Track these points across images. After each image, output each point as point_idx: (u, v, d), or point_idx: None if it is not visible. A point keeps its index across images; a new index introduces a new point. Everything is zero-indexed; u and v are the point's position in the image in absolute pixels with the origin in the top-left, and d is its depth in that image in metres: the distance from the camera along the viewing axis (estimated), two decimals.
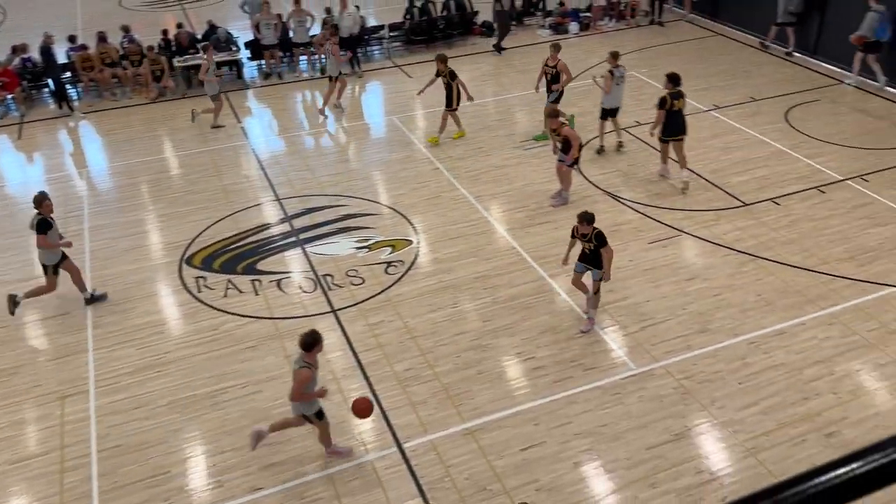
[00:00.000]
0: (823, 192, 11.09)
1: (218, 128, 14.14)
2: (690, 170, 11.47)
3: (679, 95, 11.01)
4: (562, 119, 11.05)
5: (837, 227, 10.26)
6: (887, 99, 14.11)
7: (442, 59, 12.97)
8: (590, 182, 11.65)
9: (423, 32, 17.94)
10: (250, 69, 17.08)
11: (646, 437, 7.11)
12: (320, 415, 6.75)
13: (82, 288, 9.29)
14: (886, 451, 0.86)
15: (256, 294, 9.45)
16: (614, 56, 12.15)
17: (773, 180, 11.49)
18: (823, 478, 0.86)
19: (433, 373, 8.04)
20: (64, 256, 9.02)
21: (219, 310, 9.19)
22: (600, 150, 12.56)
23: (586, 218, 8.12)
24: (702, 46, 17.40)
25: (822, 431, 7.09)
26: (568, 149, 10.66)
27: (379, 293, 9.36)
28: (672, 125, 11.10)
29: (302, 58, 17.21)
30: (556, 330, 8.59)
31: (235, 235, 10.71)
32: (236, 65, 16.54)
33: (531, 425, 7.32)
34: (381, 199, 11.57)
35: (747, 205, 10.88)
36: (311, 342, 6.47)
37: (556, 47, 12.97)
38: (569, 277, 9.38)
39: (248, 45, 16.96)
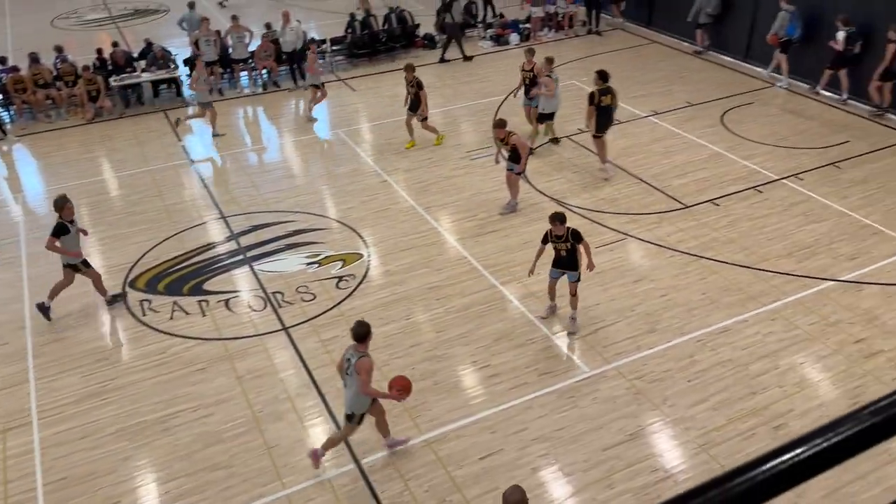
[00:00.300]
0: (761, 192, 11.46)
1: (218, 136, 14.14)
2: (615, 165, 11.78)
3: (607, 91, 11.53)
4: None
5: (775, 225, 10.61)
6: (817, 100, 14.69)
7: (409, 68, 13.09)
8: (537, 190, 11.80)
9: (365, 46, 17.94)
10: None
11: (601, 439, 7.20)
12: (362, 419, 6.68)
13: (102, 293, 9.36)
14: (827, 436, 0.90)
15: (204, 315, 9.26)
16: (549, 61, 12.66)
17: (712, 182, 11.83)
18: (770, 464, 0.89)
19: None
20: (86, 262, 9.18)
21: (165, 333, 8.97)
22: (556, 140, 13.32)
23: (559, 218, 8.16)
24: (638, 54, 17.84)
25: (770, 424, 7.30)
26: (518, 158, 10.78)
27: (331, 308, 9.28)
28: (602, 121, 11.61)
29: (242, 74, 17.01)
30: (510, 337, 8.65)
31: (180, 256, 10.49)
32: (175, 82, 16.25)
33: (489, 433, 7.34)
34: (330, 214, 11.50)
35: (688, 207, 11.17)
36: (365, 333, 6.45)
37: (531, 52, 13.45)
38: (520, 285, 9.48)
39: (186, 62, 16.68)
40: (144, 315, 9.30)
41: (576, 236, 8.26)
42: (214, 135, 14.15)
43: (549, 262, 8.64)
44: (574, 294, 8.57)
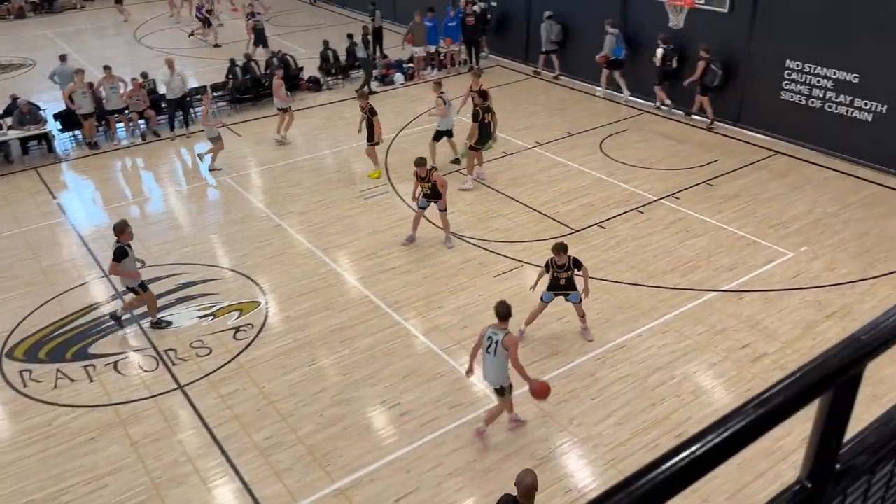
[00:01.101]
0: (642, 213, 12.06)
1: (216, 170, 14.27)
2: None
3: (488, 109, 12.71)
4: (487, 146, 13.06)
5: (658, 242, 11.18)
6: (686, 123, 15.71)
7: (362, 96, 13.66)
8: (434, 224, 11.92)
9: (248, 91, 17.70)
10: (62, 141, 15.96)
11: (515, 466, 7.24)
12: (511, 389, 7.29)
13: (152, 313, 9.60)
14: (718, 431, 0.95)
15: (91, 380, 8.69)
16: (438, 84, 13.60)
17: (596, 206, 12.35)
18: (669, 463, 0.93)
19: (296, 437, 7.75)
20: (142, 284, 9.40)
21: (50, 403, 8.34)
22: (458, 161, 13.87)
23: (562, 249, 8.60)
24: (519, 88, 18.51)
25: (672, 434, 7.59)
26: (438, 195, 10.91)
27: (229, 361, 8.94)
28: (483, 135, 12.76)
29: (119, 125, 16.34)
30: (418, 372, 8.61)
31: (61, 320, 9.83)
32: (45, 138, 15.39)
33: (403, 473, 7.23)
34: (222, 263, 11.14)
35: (577, 231, 11.60)
36: (508, 311, 7.14)
37: (478, 73, 14.38)
38: (424, 319, 9.51)
39: (57, 116, 15.86)
40: (26, 386, 8.62)
41: (577, 264, 8.71)
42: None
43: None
44: (582, 314, 8.95)
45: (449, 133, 13.68)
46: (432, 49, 19.62)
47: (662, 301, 9.75)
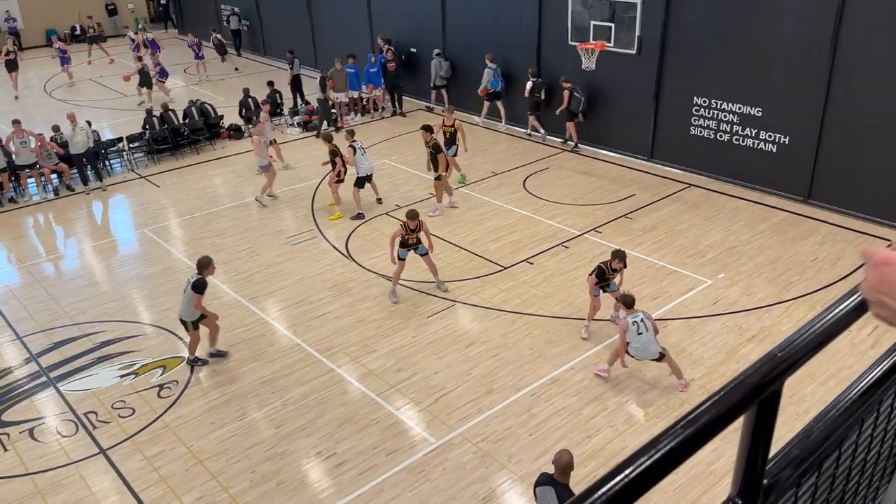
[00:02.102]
0: (567, 248, 12.34)
1: (273, 197, 14.63)
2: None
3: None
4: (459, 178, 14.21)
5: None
6: (601, 160, 16.26)
7: (327, 138, 13.89)
8: (364, 268, 11.85)
9: (166, 141, 17.35)
10: None
11: None
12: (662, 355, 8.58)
13: (213, 343, 9.73)
14: (649, 453, 0.97)
15: (6, 449, 8.15)
16: (351, 133, 13.89)
17: (524, 243, 12.57)
18: (603, 490, 0.94)
19: (228, 496, 7.45)
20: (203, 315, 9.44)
21: None
22: (380, 201, 14.23)
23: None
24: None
25: (608, 465, 7.67)
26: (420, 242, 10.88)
27: (154, 421, 8.55)
28: (437, 165, 13.47)
29: (30, 180, 15.69)
30: (354, 420, 8.45)
31: None
32: None
33: None
34: (143, 319, 10.74)
35: (506, 268, 11.75)
36: (633, 298, 8.73)
37: (451, 109, 15.17)
38: (358, 365, 9.40)
39: None
40: None
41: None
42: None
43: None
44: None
45: (369, 178, 13.77)
46: (354, 94, 19.78)
47: (592, 332, 9.93)
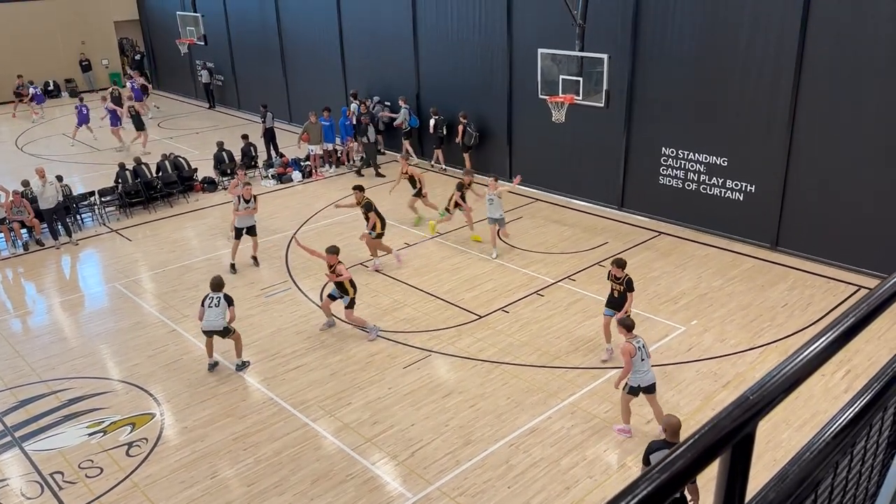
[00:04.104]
0: (542, 296, 12.40)
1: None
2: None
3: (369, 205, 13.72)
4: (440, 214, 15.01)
5: (559, 324, 11.46)
6: (573, 209, 16.48)
7: (359, 188, 13.72)
8: (339, 319, 11.76)
9: (139, 194, 17.27)
10: None
11: None
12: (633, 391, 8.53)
13: (238, 354, 10.49)
14: (626, 499, 0.97)
15: None
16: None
17: (499, 292, 12.60)
18: None
19: None
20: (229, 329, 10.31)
21: None
22: (232, 267, 13.82)
23: (619, 262, 10.19)
24: None
25: None
26: (345, 290, 11.02)
27: (122, 480, 8.29)
28: (383, 221, 13.66)
29: None
30: (329, 476, 8.27)
31: None
32: None
33: None
34: (112, 375, 10.50)
35: (482, 317, 11.74)
36: (633, 323, 8.71)
37: (406, 157, 16.35)
38: (333, 419, 9.24)
39: None
40: None
41: (629, 284, 10.14)
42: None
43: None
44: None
45: (251, 230, 13.83)
46: (329, 147, 19.95)
47: (568, 381, 9.91)
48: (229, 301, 10.34)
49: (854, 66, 12.06)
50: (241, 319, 11.89)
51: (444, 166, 19.50)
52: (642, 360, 8.48)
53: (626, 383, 8.57)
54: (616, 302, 10.21)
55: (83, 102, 23.31)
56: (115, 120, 22.23)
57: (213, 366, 10.52)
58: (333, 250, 11.04)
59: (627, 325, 8.67)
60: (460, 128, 18.08)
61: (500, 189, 13.96)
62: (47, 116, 27.51)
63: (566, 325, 11.42)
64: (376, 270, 13.48)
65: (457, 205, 14.65)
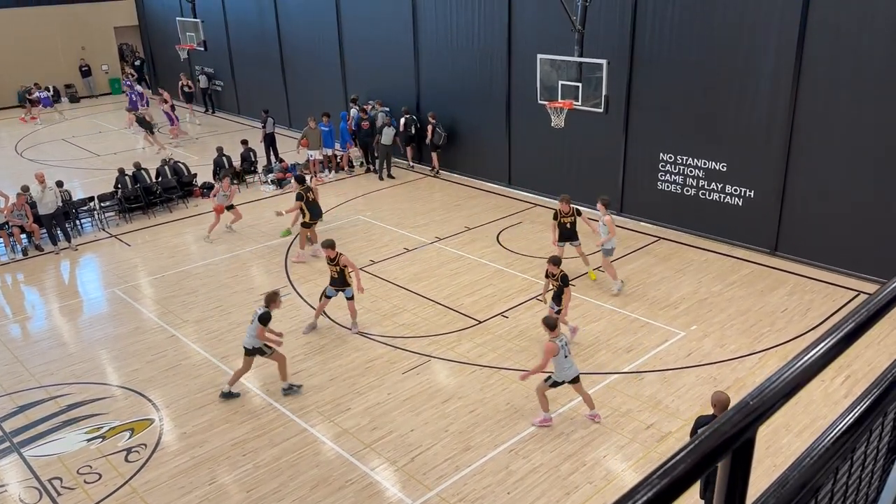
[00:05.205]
0: (542, 301, 12.38)
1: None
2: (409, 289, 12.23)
3: (308, 189, 14.31)
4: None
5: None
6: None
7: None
8: (336, 323, 11.75)
9: (138, 199, 17.28)
10: None
11: None
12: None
13: (283, 377, 9.93)
14: (634, 499, 0.97)
15: None
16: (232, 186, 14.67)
17: (498, 297, 12.60)
18: None
19: None
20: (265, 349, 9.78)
21: None
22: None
23: (331, 244, 10.74)
24: (415, 188, 19.00)
25: None
26: (346, 282, 11.30)
27: (121, 486, 8.27)
28: (314, 211, 14.25)
29: None
30: (328, 481, 8.25)
31: None
32: None
33: None
34: (111, 380, 10.48)
35: (482, 322, 11.74)
36: (555, 322, 8.83)
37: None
38: (332, 424, 9.22)
39: None
40: None
41: (564, 279, 10.49)
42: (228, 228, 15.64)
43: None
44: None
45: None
46: (329, 152, 19.96)
47: (568, 386, 9.88)
48: (262, 319, 9.60)
49: (853, 72, 12.09)
50: (240, 325, 11.88)
51: (411, 164, 20.06)
52: (565, 356, 8.73)
53: (550, 377, 8.91)
54: (558, 296, 10.65)
55: (134, 89, 25.29)
56: (172, 120, 23.64)
57: (227, 395, 9.84)
58: (329, 244, 11.18)
59: (549, 324, 8.81)
60: (430, 128, 18.69)
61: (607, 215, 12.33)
62: (48, 122, 27.54)
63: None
64: (297, 261, 14.22)
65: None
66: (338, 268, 11.09)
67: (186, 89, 26.44)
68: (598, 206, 12.40)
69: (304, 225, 14.25)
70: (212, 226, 15.62)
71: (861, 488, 1.69)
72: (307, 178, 14.89)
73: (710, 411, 9.19)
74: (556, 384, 8.90)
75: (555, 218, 12.73)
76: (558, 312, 10.58)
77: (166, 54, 29.36)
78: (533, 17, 16.41)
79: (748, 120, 13.60)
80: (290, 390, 9.91)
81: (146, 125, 22.53)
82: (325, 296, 11.39)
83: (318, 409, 9.59)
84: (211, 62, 27.33)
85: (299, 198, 14.02)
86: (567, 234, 12.74)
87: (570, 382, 8.88)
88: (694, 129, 14.44)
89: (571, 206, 12.69)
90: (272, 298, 9.88)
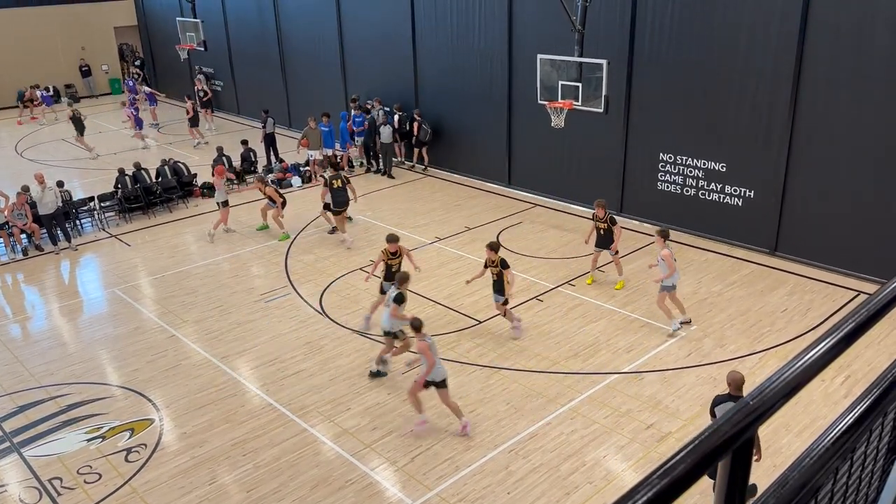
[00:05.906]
0: (541, 301, 12.39)
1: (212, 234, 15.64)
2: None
3: (337, 177, 14.82)
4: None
5: (559, 329, 11.45)
6: (572, 214, 16.50)
7: (493, 248, 11.08)
8: (338, 324, 11.75)
9: (138, 199, 17.28)
10: None
11: None
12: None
13: (378, 361, 10.21)
14: (634, 498, 0.97)
15: None
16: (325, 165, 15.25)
17: None
18: None
19: None
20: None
21: None
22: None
23: (493, 247, 10.79)
24: (416, 187, 19.00)
25: None
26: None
27: (121, 486, 8.27)
28: (337, 200, 14.70)
29: None
30: (328, 481, 8.25)
31: None
32: None
33: None
34: (111, 380, 10.48)
35: (482, 322, 11.73)
36: (421, 322, 8.85)
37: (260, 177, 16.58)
38: (332, 424, 9.22)
39: None
40: None
41: (504, 263, 10.72)
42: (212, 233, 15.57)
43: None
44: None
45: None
46: (329, 152, 19.95)
47: (568, 387, 9.90)
48: (396, 299, 9.86)
49: (853, 72, 12.09)
50: (240, 325, 11.90)
51: (413, 164, 20.24)
52: (437, 356, 8.78)
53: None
54: (499, 285, 10.89)
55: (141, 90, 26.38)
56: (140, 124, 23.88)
57: (375, 374, 10.22)
58: (393, 238, 11.33)
59: (415, 326, 8.85)
60: (416, 125, 19.20)
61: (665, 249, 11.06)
62: (48, 122, 27.53)
63: (566, 330, 11.41)
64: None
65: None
66: (398, 260, 11.20)
67: (202, 94, 25.02)
68: (656, 239, 11.13)
69: (325, 207, 15.05)
70: (218, 222, 15.78)
71: (861, 488, 1.69)
72: (338, 164, 15.77)
73: (708, 411, 9.23)
74: (427, 384, 8.75)
75: (593, 219, 12.64)
76: (505, 303, 10.92)
77: (166, 54, 29.35)
78: (533, 17, 16.41)
79: (748, 120, 13.60)
80: (378, 374, 10.21)
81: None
82: (383, 292, 11.23)
83: (318, 409, 9.59)
84: (211, 62, 27.33)
85: (325, 184, 14.78)
86: (601, 240, 12.57)
87: (437, 387, 8.76)
88: (694, 129, 14.44)
89: (607, 212, 12.44)
90: (404, 279, 10.08)
